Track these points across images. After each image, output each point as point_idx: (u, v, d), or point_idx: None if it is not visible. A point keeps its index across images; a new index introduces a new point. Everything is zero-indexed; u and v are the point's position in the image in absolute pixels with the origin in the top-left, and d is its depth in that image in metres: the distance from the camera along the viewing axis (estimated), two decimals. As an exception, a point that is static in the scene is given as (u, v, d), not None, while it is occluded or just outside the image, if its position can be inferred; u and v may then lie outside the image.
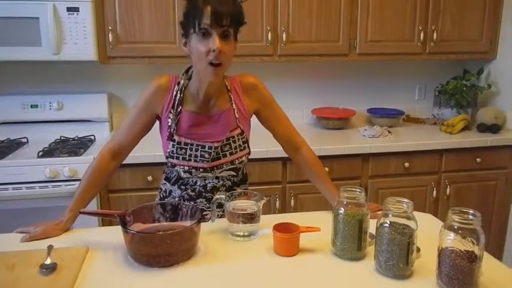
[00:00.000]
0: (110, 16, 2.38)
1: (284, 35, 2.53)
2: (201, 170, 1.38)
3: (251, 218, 1.24)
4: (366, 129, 2.67)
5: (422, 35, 2.68)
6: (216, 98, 1.37)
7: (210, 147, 1.35)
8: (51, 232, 1.27)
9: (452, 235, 0.97)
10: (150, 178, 2.28)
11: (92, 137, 2.58)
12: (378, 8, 2.62)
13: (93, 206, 2.18)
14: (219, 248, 1.19)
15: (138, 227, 1.20)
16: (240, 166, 1.44)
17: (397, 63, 3.07)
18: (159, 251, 1.09)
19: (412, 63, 3.09)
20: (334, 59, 2.65)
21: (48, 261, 1.08)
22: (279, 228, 1.17)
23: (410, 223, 1.03)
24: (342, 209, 1.12)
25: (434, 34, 2.70)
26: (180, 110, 1.35)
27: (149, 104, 1.36)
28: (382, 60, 2.82)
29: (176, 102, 1.34)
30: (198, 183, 1.41)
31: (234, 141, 1.38)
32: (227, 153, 1.38)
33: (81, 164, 2.16)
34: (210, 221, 1.30)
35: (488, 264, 1.03)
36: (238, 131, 1.38)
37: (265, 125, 1.48)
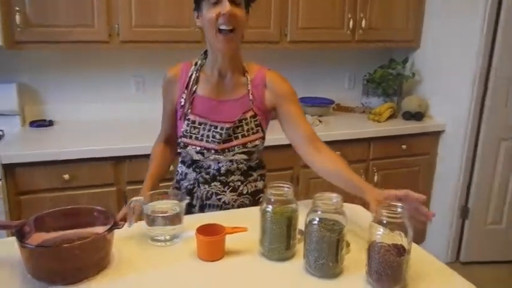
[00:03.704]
0: (16, -5, 2.11)
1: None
2: (212, 151, 1.34)
3: (173, 220, 1.14)
4: (297, 119, 2.64)
5: (351, 22, 2.70)
6: (232, 75, 1.34)
7: (222, 128, 1.32)
8: None
9: (381, 230, 0.94)
10: (66, 176, 2.07)
11: (1, 132, 2.30)
12: (308, -6, 2.58)
13: (0, 212, 1.95)
14: (136, 256, 1.08)
15: (40, 237, 1.04)
16: (253, 150, 1.37)
17: (327, 52, 3.07)
18: (66, 266, 0.95)
19: (342, 53, 3.12)
20: (265, 46, 2.58)
21: None
22: (203, 230, 1.07)
23: (340, 218, 0.99)
24: (270, 206, 1.05)
25: (363, 22, 2.72)
26: (195, 89, 1.35)
27: (166, 94, 1.42)
28: (313, 48, 2.80)
29: (191, 82, 1.34)
30: (212, 166, 1.37)
31: (247, 123, 1.34)
32: (239, 135, 1.34)
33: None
34: (126, 225, 1.17)
35: (417, 256, 1.02)
36: (251, 113, 1.34)
37: (287, 122, 1.37)
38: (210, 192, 1.39)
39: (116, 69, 2.64)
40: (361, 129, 2.62)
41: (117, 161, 2.16)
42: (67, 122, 2.54)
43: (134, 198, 1.16)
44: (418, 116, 2.80)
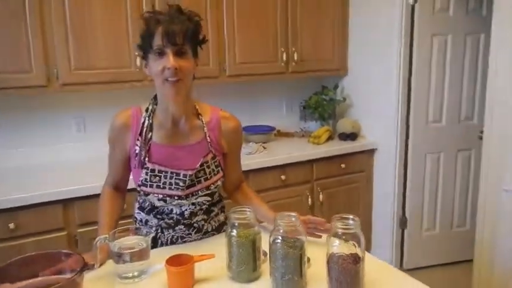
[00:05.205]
0: None
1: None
2: (175, 197, 1.33)
3: (140, 255, 1.16)
4: (243, 147, 2.74)
5: (284, 56, 2.89)
6: (186, 119, 1.33)
7: (184, 175, 1.31)
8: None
9: (337, 241, 1.04)
10: (12, 225, 1.98)
11: None
12: (243, 32, 2.73)
13: None
14: (107, 295, 1.09)
15: (6, 288, 1.02)
16: (215, 190, 1.40)
17: (265, 83, 3.24)
18: (36, 313, 0.94)
19: (278, 83, 3.30)
20: (206, 81, 2.69)
21: None
22: (172, 262, 1.12)
23: (300, 235, 1.08)
24: (234, 231, 1.12)
25: (295, 55, 2.93)
26: (151, 136, 1.32)
27: (116, 142, 1.36)
28: (250, 80, 2.96)
29: (145, 129, 1.31)
30: (174, 211, 1.37)
31: (208, 166, 1.35)
32: (202, 179, 1.35)
33: None
34: (94, 267, 1.18)
35: (371, 264, 1.14)
36: (211, 155, 1.35)
37: (227, 166, 1.44)
38: (175, 236, 1.39)
39: (55, 111, 2.59)
40: (303, 152, 2.78)
41: (65, 203, 2.11)
42: (7, 168, 2.43)
43: (100, 237, 1.17)
44: (352, 136, 3.03)
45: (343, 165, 2.93)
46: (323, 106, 3.14)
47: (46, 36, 2.22)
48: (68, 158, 2.60)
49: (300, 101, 3.34)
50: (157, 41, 1.18)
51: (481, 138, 2.37)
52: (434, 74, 2.83)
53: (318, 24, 3.01)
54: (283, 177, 2.70)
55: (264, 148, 2.81)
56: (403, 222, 3.01)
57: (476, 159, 2.94)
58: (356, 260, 1.04)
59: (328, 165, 2.88)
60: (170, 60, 1.18)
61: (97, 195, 2.04)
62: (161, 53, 1.19)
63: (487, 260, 2.27)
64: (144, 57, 1.26)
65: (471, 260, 2.44)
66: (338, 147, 2.91)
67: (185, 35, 1.20)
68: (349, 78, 3.22)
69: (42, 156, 2.57)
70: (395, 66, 2.82)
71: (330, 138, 3.05)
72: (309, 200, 2.82)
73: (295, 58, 2.94)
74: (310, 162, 2.81)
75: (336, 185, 2.93)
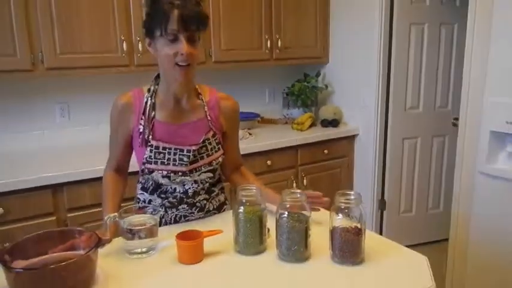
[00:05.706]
0: None
1: (140, 44, 2.47)
2: (179, 173, 1.37)
3: (149, 232, 1.20)
4: (229, 133, 2.79)
5: (269, 43, 2.94)
6: (187, 98, 1.37)
7: (188, 151, 1.35)
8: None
9: (340, 215, 1.12)
10: (0, 210, 1.96)
11: None
12: (229, 18, 2.76)
13: None
14: (119, 271, 1.12)
15: (20, 264, 1.04)
16: (216, 167, 1.45)
17: (248, 70, 3.28)
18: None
19: (262, 69, 3.35)
20: (193, 67, 2.70)
21: None
22: (182, 237, 1.16)
23: (304, 211, 1.15)
24: (242, 207, 1.18)
25: (279, 42, 2.98)
26: (154, 115, 1.35)
27: (119, 123, 1.38)
28: (236, 67, 2.99)
29: (148, 108, 1.34)
30: (178, 190, 1.40)
31: (210, 143, 1.39)
32: (204, 155, 1.39)
33: None
34: (106, 244, 1.20)
35: (371, 238, 1.21)
36: (211, 132, 1.40)
37: (225, 145, 1.46)
38: (179, 215, 1.43)
39: (38, 97, 2.55)
40: (287, 138, 2.85)
41: (55, 189, 2.10)
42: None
43: (110, 215, 1.20)
44: (334, 122, 3.12)
45: (326, 151, 3.02)
46: (306, 93, 3.21)
47: (31, 18, 2.17)
48: (51, 144, 2.57)
49: (283, 88, 3.40)
50: (171, 25, 1.19)
51: (454, 125, 2.51)
52: (412, 62, 2.95)
53: (301, 12, 3.07)
54: (269, 162, 2.76)
55: (250, 134, 2.86)
56: (382, 205, 3.15)
57: (450, 144, 3.10)
58: (357, 231, 1.11)
59: (312, 151, 2.96)
60: (184, 46, 1.20)
61: (88, 180, 2.11)
62: (173, 40, 1.21)
63: (462, 239, 2.41)
64: (150, 36, 1.26)
65: (445, 240, 2.58)
66: (321, 133, 2.99)
67: (198, 21, 1.22)
68: (331, 66, 3.30)
69: (25, 142, 2.52)
70: (376, 54, 2.91)
71: (312, 124, 3.13)
72: (294, 184, 2.89)
73: (279, 45, 2.99)
74: (295, 148, 2.88)
75: (319, 170, 3.02)
